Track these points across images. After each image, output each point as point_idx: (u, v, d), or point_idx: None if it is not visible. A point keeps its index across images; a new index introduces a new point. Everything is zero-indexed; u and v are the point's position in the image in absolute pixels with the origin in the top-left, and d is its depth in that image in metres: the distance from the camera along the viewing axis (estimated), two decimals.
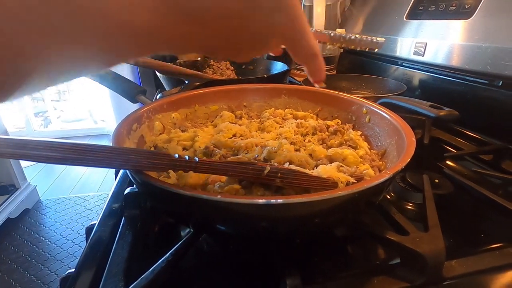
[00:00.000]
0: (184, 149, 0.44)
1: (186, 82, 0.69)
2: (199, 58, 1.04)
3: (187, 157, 0.29)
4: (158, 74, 0.75)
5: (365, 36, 0.34)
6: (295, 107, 0.57)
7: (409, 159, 0.30)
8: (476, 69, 0.59)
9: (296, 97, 0.57)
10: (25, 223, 1.78)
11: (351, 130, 0.47)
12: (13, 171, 1.80)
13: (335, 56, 1.14)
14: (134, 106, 0.53)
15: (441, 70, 0.69)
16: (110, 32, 0.16)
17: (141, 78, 1.41)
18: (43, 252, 1.57)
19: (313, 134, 0.48)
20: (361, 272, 0.34)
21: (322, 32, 0.34)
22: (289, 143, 0.42)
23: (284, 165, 0.36)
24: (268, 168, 0.30)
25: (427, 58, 0.70)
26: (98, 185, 2.20)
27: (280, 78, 0.80)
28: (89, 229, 0.42)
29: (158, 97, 0.66)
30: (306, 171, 0.33)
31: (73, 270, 0.34)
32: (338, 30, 0.36)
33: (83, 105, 3.22)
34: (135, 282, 0.28)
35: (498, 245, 0.36)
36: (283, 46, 0.28)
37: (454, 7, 0.64)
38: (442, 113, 0.46)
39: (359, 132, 0.47)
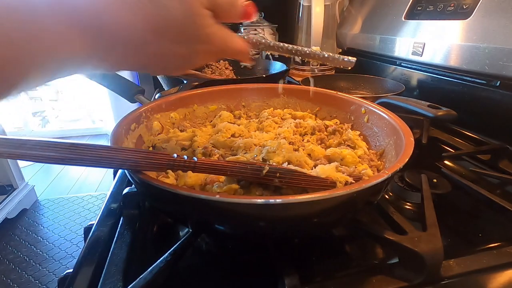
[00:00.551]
0: (182, 149, 0.44)
1: (185, 81, 0.69)
2: None
3: (185, 157, 0.29)
4: None
5: (338, 55, 0.35)
6: (294, 107, 0.57)
7: (407, 159, 0.30)
8: (474, 69, 0.59)
9: (295, 97, 0.57)
10: (23, 223, 1.77)
11: (349, 130, 0.48)
12: (10, 171, 1.79)
13: None
14: (132, 106, 0.53)
15: (439, 70, 0.70)
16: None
17: (140, 77, 1.40)
18: (41, 252, 1.56)
19: (312, 134, 0.48)
20: (360, 272, 0.34)
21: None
22: (287, 143, 0.42)
23: (282, 165, 0.36)
24: (267, 168, 0.30)
25: (426, 58, 0.70)
26: (96, 185, 2.20)
27: (278, 78, 0.80)
28: (87, 229, 0.42)
29: (156, 96, 0.66)
30: (305, 171, 0.33)
31: (71, 270, 0.34)
32: (314, 48, 0.36)
33: (81, 105, 3.21)
34: (134, 282, 0.28)
35: (496, 244, 0.36)
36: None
37: (452, 8, 0.64)
38: (440, 113, 0.46)
39: (358, 132, 0.47)
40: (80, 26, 0.20)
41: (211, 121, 0.53)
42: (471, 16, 0.59)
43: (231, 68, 0.96)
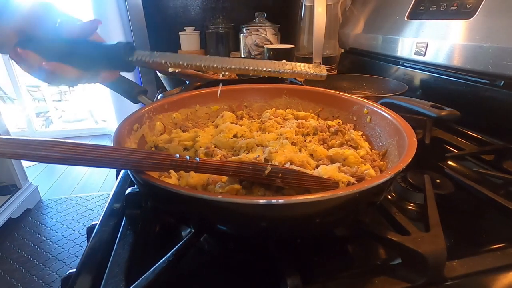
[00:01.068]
0: (185, 149, 0.44)
1: (187, 82, 0.69)
2: None
3: (188, 157, 0.29)
4: (159, 74, 0.75)
5: (308, 68, 0.35)
6: (296, 107, 0.57)
7: (410, 159, 0.30)
8: (478, 69, 0.59)
9: (297, 97, 0.57)
10: (26, 223, 1.78)
11: (352, 130, 0.47)
12: (14, 171, 1.81)
13: (336, 56, 1.14)
14: (135, 106, 0.53)
15: (442, 70, 0.69)
16: None
17: (142, 78, 1.41)
18: (44, 252, 1.57)
19: (314, 134, 0.48)
20: (362, 272, 0.34)
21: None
22: (290, 143, 0.42)
23: (285, 165, 0.36)
24: (269, 168, 0.30)
25: (428, 58, 0.70)
26: (99, 185, 2.21)
27: (281, 78, 0.80)
28: (90, 229, 0.42)
29: (159, 97, 0.67)
30: (307, 171, 0.33)
31: (74, 270, 0.34)
32: (277, 63, 0.35)
33: (84, 105, 3.23)
34: (136, 282, 0.28)
35: (499, 245, 0.36)
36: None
37: (456, 7, 0.64)
38: (443, 113, 0.46)
39: (360, 132, 0.47)
40: None
41: (213, 122, 0.53)
42: (475, 16, 0.59)
43: None
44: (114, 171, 0.59)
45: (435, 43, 0.68)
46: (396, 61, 0.84)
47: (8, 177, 1.82)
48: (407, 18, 0.77)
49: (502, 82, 0.57)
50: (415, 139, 0.34)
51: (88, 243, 0.38)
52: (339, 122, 0.51)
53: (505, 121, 0.57)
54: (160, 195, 0.29)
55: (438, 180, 0.47)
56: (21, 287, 1.37)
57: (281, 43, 1.25)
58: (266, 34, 1.22)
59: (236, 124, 0.50)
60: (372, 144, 0.45)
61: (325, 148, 0.44)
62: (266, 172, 0.29)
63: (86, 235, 0.44)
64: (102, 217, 0.42)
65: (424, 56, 0.71)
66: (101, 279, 0.30)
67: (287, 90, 0.57)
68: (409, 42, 0.76)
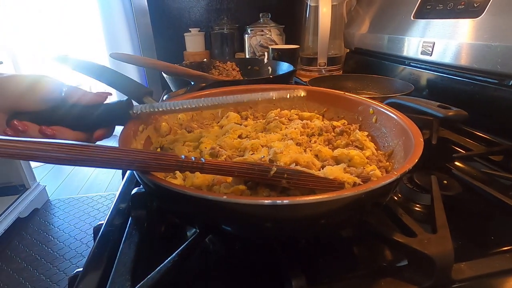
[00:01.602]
0: (190, 150, 0.44)
1: (192, 83, 0.70)
2: (205, 59, 1.04)
3: (193, 158, 0.29)
4: (164, 75, 0.75)
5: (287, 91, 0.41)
6: (301, 107, 0.56)
7: (416, 160, 0.30)
8: (486, 69, 0.58)
9: (302, 98, 0.56)
10: (34, 223, 1.80)
11: (357, 130, 0.47)
12: (23, 171, 1.83)
13: (341, 56, 1.13)
14: None
15: (449, 69, 0.68)
16: None
17: (148, 79, 1.42)
18: (52, 251, 1.59)
19: (319, 134, 0.47)
20: (367, 274, 0.33)
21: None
22: (295, 144, 0.42)
23: (290, 166, 0.35)
24: (274, 169, 0.30)
25: (435, 57, 0.69)
26: (105, 185, 2.23)
27: (286, 78, 0.80)
28: (96, 229, 0.42)
29: (164, 98, 0.67)
30: (312, 172, 0.33)
31: (81, 269, 0.34)
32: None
33: None
34: (142, 282, 0.28)
35: (508, 247, 0.36)
36: None
37: (463, 6, 0.63)
38: (450, 113, 0.46)
39: (366, 133, 0.47)
40: None
41: (218, 122, 0.53)
42: (482, 15, 0.58)
43: (238, 69, 0.96)
44: (120, 171, 0.59)
45: (442, 42, 0.67)
46: (402, 61, 0.83)
47: (17, 177, 1.84)
48: (413, 17, 0.77)
49: (511, 81, 0.56)
50: (422, 140, 0.34)
51: (94, 243, 0.38)
52: (344, 123, 0.50)
53: None
54: (166, 195, 0.29)
55: (445, 181, 0.47)
56: (29, 286, 1.39)
57: (286, 44, 1.25)
58: (270, 35, 1.22)
59: (241, 124, 0.50)
60: (378, 144, 0.45)
61: (330, 148, 0.44)
62: (272, 172, 0.29)
63: (92, 235, 0.44)
64: (109, 217, 0.42)
65: (430, 55, 0.70)
66: (107, 279, 0.30)
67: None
68: (415, 41, 0.75)
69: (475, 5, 0.60)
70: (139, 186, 0.41)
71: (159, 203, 0.38)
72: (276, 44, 1.22)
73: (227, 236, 0.39)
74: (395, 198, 0.46)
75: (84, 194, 2.11)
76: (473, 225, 0.41)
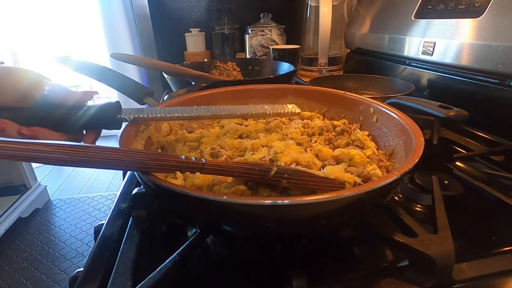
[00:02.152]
0: (190, 150, 0.44)
1: (193, 83, 0.70)
2: (205, 60, 1.04)
3: (193, 158, 0.29)
4: (165, 75, 0.75)
5: (281, 107, 0.42)
6: (302, 107, 0.56)
7: (417, 160, 0.30)
8: (487, 69, 0.58)
9: (303, 98, 0.56)
10: (35, 223, 1.81)
11: (358, 130, 0.47)
12: (24, 172, 1.84)
13: (341, 56, 1.13)
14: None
15: (450, 69, 0.68)
16: None
17: (149, 79, 1.42)
18: (53, 251, 1.59)
19: (320, 134, 0.47)
20: (368, 274, 0.33)
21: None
22: (295, 143, 0.42)
23: (290, 166, 0.35)
24: (275, 169, 0.29)
25: (436, 57, 0.69)
26: (106, 185, 2.23)
27: (286, 78, 0.80)
28: (97, 229, 0.42)
29: (165, 98, 0.67)
30: (313, 171, 0.33)
31: (82, 269, 0.34)
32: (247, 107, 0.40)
33: None
34: (142, 282, 0.28)
35: (509, 248, 0.36)
36: None
37: (464, 6, 0.63)
38: (451, 113, 0.46)
39: (366, 132, 0.47)
40: None
41: (218, 122, 0.53)
42: (483, 14, 0.58)
43: (238, 69, 0.96)
44: (120, 171, 0.59)
45: (443, 42, 0.67)
46: (403, 61, 0.83)
47: (18, 177, 1.85)
48: (414, 17, 0.76)
49: None
50: (423, 139, 0.34)
51: (95, 243, 0.38)
52: (345, 122, 0.50)
53: None
54: (166, 195, 0.29)
55: (446, 181, 0.47)
56: (30, 286, 1.39)
57: (286, 44, 1.25)
58: (271, 35, 1.22)
59: (241, 124, 0.50)
60: (378, 144, 0.45)
61: (330, 148, 0.44)
62: (272, 172, 0.29)
63: (93, 235, 0.44)
64: (109, 217, 0.42)
65: (431, 55, 0.70)
66: (108, 279, 0.30)
67: (293, 90, 0.57)
68: (416, 41, 0.75)
69: (476, 5, 0.60)
70: (140, 186, 0.41)
71: (159, 203, 0.38)
72: (277, 44, 1.22)
73: (228, 236, 0.39)
74: (396, 198, 0.46)
75: (85, 194, 2.12)
76: (474, 225, 0.41)
